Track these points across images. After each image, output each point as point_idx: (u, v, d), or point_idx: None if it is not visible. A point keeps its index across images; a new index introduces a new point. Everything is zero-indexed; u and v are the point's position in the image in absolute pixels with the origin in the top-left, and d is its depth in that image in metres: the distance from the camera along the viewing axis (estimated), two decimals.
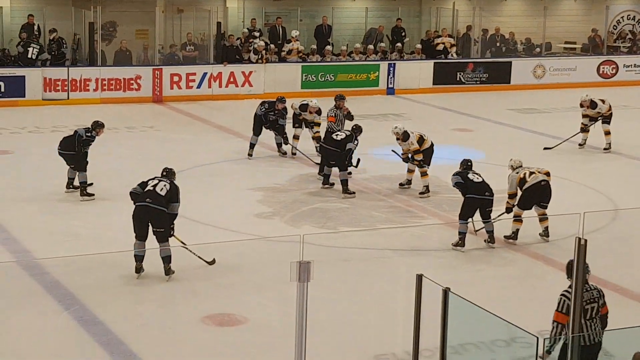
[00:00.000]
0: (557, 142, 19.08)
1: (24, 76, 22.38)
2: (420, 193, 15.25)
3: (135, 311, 9.92)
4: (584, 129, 18.95)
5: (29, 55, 22.64)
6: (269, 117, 17.62)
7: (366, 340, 9.81)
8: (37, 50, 22.65)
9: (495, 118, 22.34)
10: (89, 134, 14.75)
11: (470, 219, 12.82)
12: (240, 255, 12.14)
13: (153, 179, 11.54)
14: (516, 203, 13.08)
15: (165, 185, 11.37)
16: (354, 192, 15.15)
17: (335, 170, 15.40)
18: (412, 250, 12.65)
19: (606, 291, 11.01)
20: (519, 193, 13.09)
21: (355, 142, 15.39)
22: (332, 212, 14.46)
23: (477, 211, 12.82)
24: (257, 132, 17.78)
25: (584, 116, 18.95)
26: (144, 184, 11.47)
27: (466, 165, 13.25)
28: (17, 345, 9.50)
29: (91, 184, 14.80)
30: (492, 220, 12.80)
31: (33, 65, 22.60)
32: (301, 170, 16.90)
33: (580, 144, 19.05)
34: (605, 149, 18.77)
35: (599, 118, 18.79)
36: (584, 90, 20.97)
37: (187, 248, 11.46)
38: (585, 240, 7.35)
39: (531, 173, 13.13)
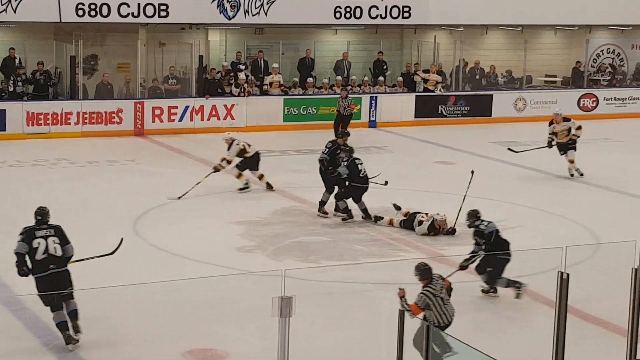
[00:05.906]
0: (524, 149, 20.11)
1: (5, 110, 22.32)
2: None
3: (116, 347, 9.84)
4: (550, 143, 19.36)
5: (12, 89, 22.66)
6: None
7: None
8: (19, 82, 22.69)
9: (477, 151, 22.39)
10: None
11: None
12: (222, 289, 12.05)
13: (35, 235, 10.20)
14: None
15: (53, 240, 10.20)
16: (327, 213, 15.87)
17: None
18: (394, 284, 12.59)
19: (587, 324, 11.13)
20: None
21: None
22: (314, 245, 14.43)
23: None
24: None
25: (552, 134, 19.44)
26: (29, 239, 10.14)
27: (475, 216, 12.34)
28: None
29: None
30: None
31: (18, 98, 22.59)
32: (283, 203, 16.87)
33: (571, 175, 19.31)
34: (571, 175, 18.95)
35: (569, 142, 19.10)
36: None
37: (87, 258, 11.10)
38: (568, 275, 7.36)
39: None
